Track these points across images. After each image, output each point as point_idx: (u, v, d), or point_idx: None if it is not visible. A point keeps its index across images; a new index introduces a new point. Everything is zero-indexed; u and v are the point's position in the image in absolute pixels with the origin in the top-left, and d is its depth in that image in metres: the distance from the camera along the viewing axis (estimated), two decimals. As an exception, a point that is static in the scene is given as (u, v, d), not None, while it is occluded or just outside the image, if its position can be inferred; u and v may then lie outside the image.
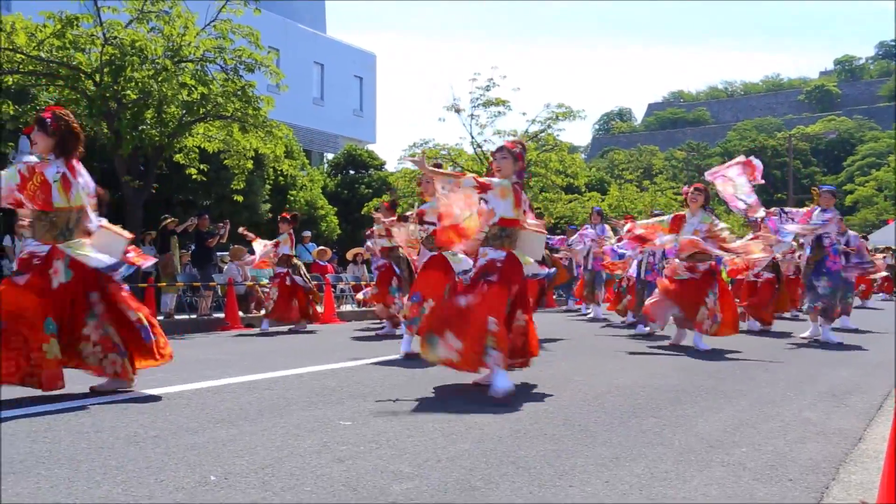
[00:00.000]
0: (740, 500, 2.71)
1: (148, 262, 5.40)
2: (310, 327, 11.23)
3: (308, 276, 11.62)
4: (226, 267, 14.18)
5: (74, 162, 4.73)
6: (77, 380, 5.42)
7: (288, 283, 10.95)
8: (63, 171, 4.61)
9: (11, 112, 11.14)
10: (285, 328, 10.93)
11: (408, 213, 8.53)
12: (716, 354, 7.44)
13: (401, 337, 9.23)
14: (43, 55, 10.98)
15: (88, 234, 4.76)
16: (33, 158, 4.62)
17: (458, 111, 21.40)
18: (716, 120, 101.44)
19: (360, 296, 12.83)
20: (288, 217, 11.34)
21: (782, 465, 3.18)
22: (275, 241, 11.17)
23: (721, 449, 3.45)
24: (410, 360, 6.95)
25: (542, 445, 3.47)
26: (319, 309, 11.87)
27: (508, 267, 5.04)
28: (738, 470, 3.10)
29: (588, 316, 13.62)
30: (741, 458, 3.30)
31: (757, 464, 3.20)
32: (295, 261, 11.37)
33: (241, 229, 11.71)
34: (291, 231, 11.19)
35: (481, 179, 5.14)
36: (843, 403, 4.72)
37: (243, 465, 3.09)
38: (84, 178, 4.76)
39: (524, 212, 5.33)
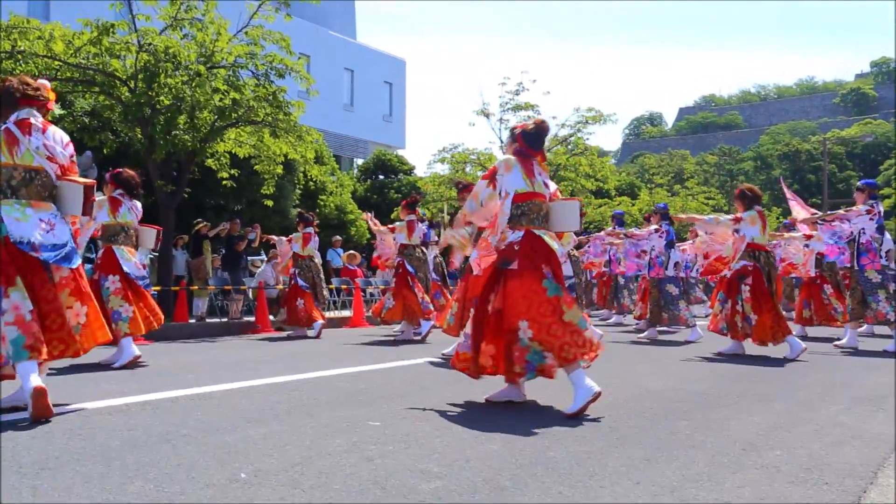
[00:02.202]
0: (774, 503, 2.66)
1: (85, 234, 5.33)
2: (339, 331, 11.26)
3: (319, 276, 11.06)
4: (258, 270, 14.33)
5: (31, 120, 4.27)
6: (113, 379, 5.51)
7: (293, 283, 10.83)
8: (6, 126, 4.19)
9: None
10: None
11: (436, 220, 8.59)
12: (750, 359, 7.35)
13: (419, 341, 9.28)
14: (80, 62, 11.19)
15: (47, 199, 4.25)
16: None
17: (487, 115, 21.43)
18: (748, 124, 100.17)
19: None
20: (305, 215, 11.13)
21: (818, 469, 3.11)
22: (288, 237, 11.14)
23: (754, 452, 3.39)
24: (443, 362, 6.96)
25: (571, 446, 3.45)
26: (318, 313, 10.88)
27: (528, 248, 4.48)
28: (773, 472, 3.05)
29: (611, 321, 13.63)
30: (775, 460, 3.24)
31: (791, 467, 3.14)
32: (307, 261, 10.92)
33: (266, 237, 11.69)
34: (308, 230, 10.93)
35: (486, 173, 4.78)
36: (880, 408, 4.62)
37: (273, 463, 3.10)
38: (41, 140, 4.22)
39: (545, 184, 4.71)
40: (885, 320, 8.44)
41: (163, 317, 7.45)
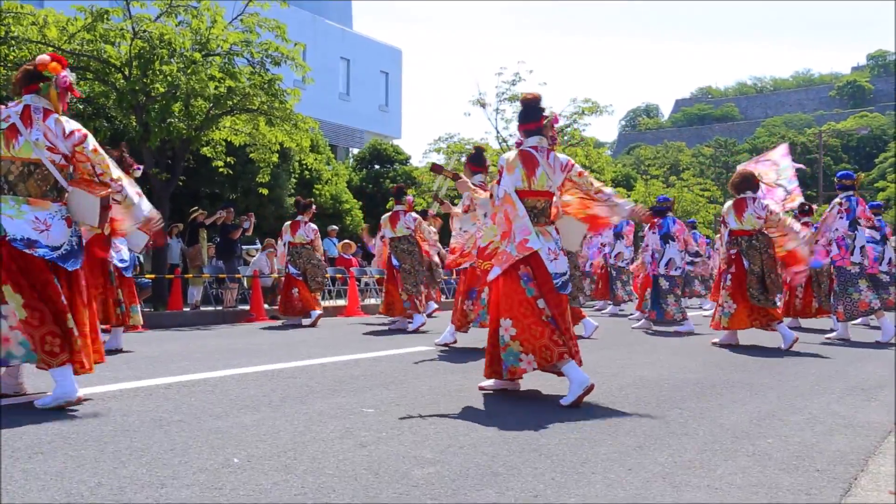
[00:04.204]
0: (766, 489, 2.67)
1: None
2: (333, 320, 11.24)
3: (311, 262, 10.84)
4: (253, 259, 14.31)
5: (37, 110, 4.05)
6: (106, 365, 5.49)
7: (287, 272, 10.80)
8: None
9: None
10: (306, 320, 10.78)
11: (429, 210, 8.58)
12: (743, 349, 7.37)
13: (408, 331, 9.24)
14: (74, 48, 11.12)
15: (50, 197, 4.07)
16: None
17: (483, 105, 21.37)
18: (744, 116, 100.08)
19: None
20: (300, 202, 11.05)
21: (809, 456, 3.13)
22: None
23: (747, 440, 3.41)
24: (436, 351, 6.98)
25: (564, 434, 3.46)
26: (316, 303, 10.86)
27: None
28: (764, 460, 3.06)
29: (606, 312, 13.66)
30: (767, 448, 3.25)
31: (783, 454, 3.15)
32: (299, 248, 10.79)
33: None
34: (298, 218, 10.82)
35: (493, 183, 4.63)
36: (872, 398, 4.64)
37: (266, 448, 3.10)
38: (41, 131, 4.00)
39: (549, 177, 4.50)
40: (868, 309, 8.46)
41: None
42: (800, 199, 8.59)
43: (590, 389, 4.14)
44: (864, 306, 8.44)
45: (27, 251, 3.89)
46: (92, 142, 4.13)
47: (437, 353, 6.84)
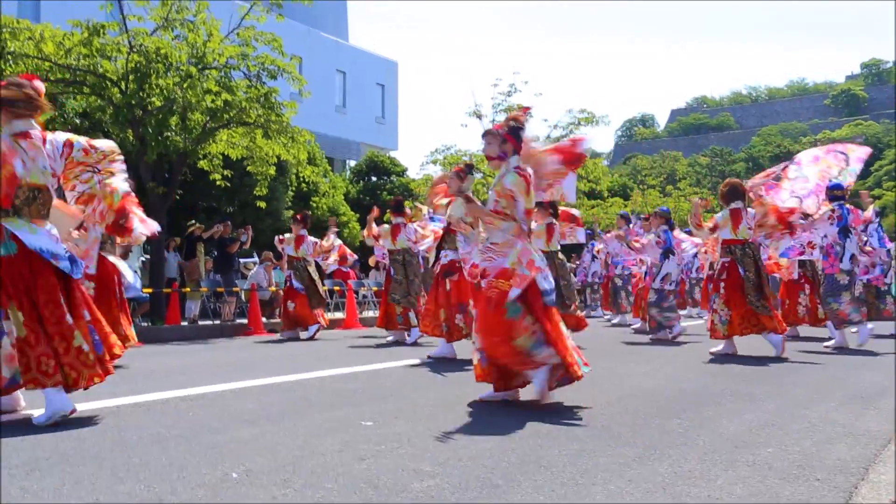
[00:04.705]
0: (766, 499, 2.66)
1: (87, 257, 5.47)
2: (332, 333, 11.20)
3: (314, 277, 10.90)
4: (250, 272, 14.30)
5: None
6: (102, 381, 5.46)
7: (288, 286, 10.81)
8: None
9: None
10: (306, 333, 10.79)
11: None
12: (742, 359, 7.36)
13: (407, 344, 9.20)
14: (70, 63, 11.14)
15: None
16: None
17: (479, 117, 21.43)
18: (740, 125, 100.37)
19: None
20: (297, 217, 11.09)
21: (809, 466, 3.12)
22: (279, 237, 11.03)
23: (747, 449, 3.40)
24: (435, 363, 6.97)
25: (564, 445, 3.45)
26: (313, 316, 10.76)
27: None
28: (764, 470, 3.05)
29: (611, 321, 13.65)
30: (767, 458, 3.25)
31: (783, 464, 3.15)
32: (302, 262, 10.79)
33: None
34: (300, 232, 10.80)
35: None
36: (871, 406, 4.64)
37: (265, 463, 3.09)
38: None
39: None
40: (847, 321, 8.48)
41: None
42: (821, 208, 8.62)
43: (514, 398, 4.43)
44: (843, 316, 8.48)
45: (53, 262, 3.93)
46: (79, 145, 4.18)
47: (435, 365, 6.83)
